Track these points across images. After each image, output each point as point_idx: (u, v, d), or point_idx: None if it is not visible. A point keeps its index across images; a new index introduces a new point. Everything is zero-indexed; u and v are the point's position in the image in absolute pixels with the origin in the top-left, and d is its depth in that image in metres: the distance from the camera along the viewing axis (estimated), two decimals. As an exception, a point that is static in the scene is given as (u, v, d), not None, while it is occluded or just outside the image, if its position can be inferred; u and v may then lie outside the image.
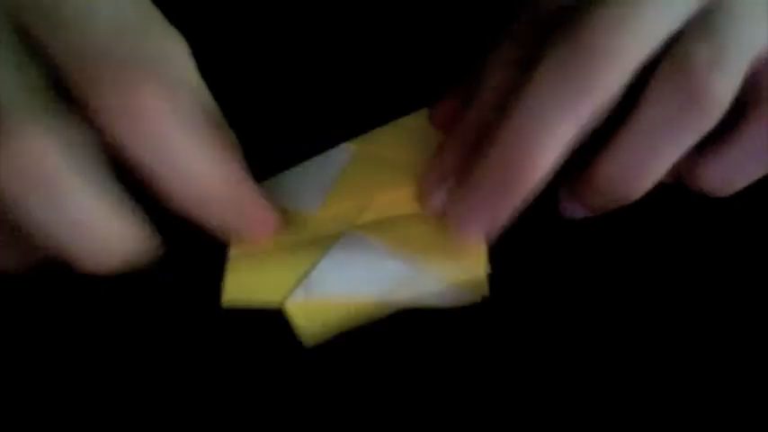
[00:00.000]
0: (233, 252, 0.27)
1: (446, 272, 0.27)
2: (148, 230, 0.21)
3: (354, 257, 0.27)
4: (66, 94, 0.20)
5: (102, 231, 0.20)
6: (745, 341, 0.26)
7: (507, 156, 0.23)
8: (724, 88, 0.23)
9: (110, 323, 0.27)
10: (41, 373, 0.26)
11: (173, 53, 0.21)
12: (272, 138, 0.31)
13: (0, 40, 0.20)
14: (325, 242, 0.28)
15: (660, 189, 0.26)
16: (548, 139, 0.23)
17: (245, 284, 0.26)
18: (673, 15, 0.24)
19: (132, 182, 0.21)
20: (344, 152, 0.31)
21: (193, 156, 0.21)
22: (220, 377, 0.26)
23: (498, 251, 0.27)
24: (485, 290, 0.26)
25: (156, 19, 0.22)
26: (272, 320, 0.26)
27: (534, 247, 0.28)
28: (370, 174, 0.30)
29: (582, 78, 0.23)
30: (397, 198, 0.29)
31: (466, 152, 0.27)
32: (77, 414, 0.25)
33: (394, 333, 0.26)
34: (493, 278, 0.26)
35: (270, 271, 0.27)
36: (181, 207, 0.21)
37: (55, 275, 0.24)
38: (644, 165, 0.25)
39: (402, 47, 0.34)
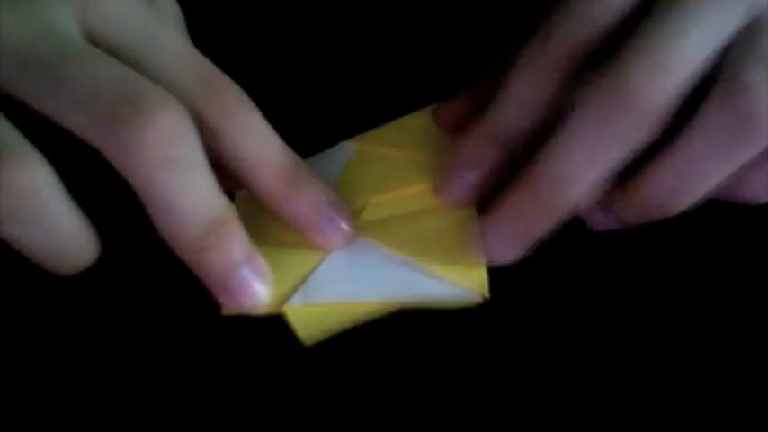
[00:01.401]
0: None
1: (446, 272, 0.27)
2: (97, 240, 0.24)
3: (353, 261, 0.27)
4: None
5: (70, 242, 0.23)
6: (745, 337, 0.26)
7: (541, 198, 0.25)
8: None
9: (110, 323, 0.27)
10: (41, 374, 0.26)
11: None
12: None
13: (99, 55, 0.23)
14: None
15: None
16: (580, 185, 0.24)
17: None
18: (713, 40, 0.24)
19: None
20: (344, 152, 0.31)
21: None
22: (220, 376, 0.26)
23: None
24: (485, 291, 0.26)
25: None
26: (272, 319, 0.26)
27: (534, 257, 0.28)
28: (370, 175, 0.30)
29: (618, 125, 0.24)
30: (396, 198, 0.29)
31: (489, 146, 0.27)
32: (77, 414, 0.25)
33: (393, 333, 0.26)
34: (493, 279, 0.26)
35: None
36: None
37: (54, 278, 0.24)
38: (689, 186, 0.25)
39: (402, 46, 0.34)
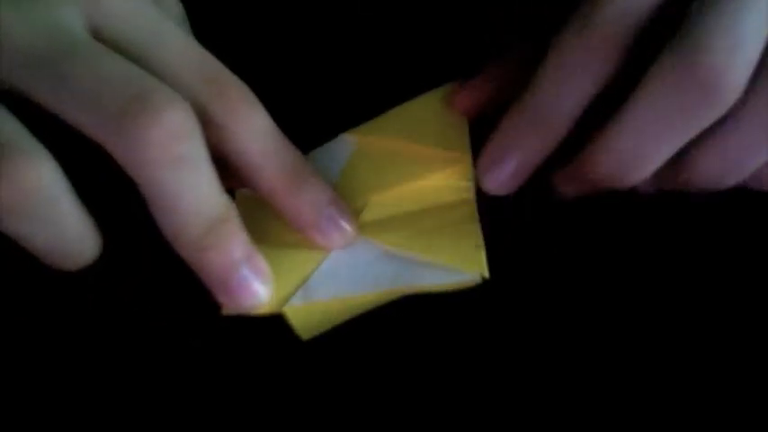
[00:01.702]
0: None
1: (445, 260, 0.27)
2: (100, 237, 0.24)
3: (353, 259, 0.27)
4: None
5: (74, 238, 0.23)
6: (739, 328, 0.26)
7: (604, 172, 0.25)
8: (741, 77, 0.23)
9: (110, 323, 0.26)
10: (41, 373, 0.25)
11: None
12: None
13: (105, 51, 0.23)
14: None
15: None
16: (649, 161, 0.25)
17: None
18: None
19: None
20: (345, 146, 0.30)
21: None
22: (220, 376, 0.26)
23: (497, 244, 0.27)
24: (484, 271, 0.26)
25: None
26: (272, 319, 0.26)
27: (534, 238, 0.28)
28: (371, 171, 0.29)
29: (694, 105, 0.23)
30: (396, 197, 0.29)
31: (533, 132, 0.26)
32: (77, 414, 0.25)
33: (393, 331, 0.26)
34: (492, 273, 0.26)
35: None
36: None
37: (55, 277, 0.24)
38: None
39: (402, 45, 0.34)
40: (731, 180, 0.26)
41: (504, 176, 0.27)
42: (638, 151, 0.25)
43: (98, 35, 0.24)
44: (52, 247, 0.23)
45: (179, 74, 0.24)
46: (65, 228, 0.23)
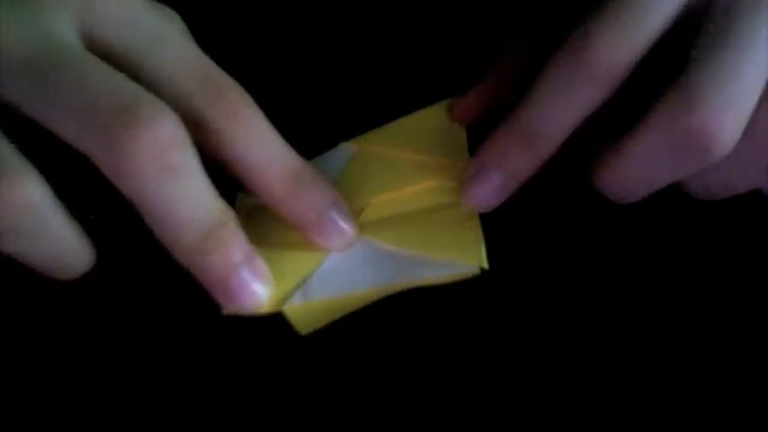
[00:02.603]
0: None
1: (444, 255, 0.27)
2: (93, 247, 0.24)
3: (353, 260, 0.27)
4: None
5: (68, 252, 0.24)
6: (738, 325, 0.26)
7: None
8: (733, 134, 0.23)
9: (109, 326, 0.26)
10: (41, 377, 0.25)
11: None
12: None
13: (94, 61, 0.23)
14: None
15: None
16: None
17: None
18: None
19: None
20: (344, 153, 0.31)
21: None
22: (220, 377, 0.26)
23: (496, 240, 0.27)
24: (483, 262, 0.26)
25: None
26: (272, 319, 0.26)
27: (532, 234, 0.28)
28: (370, 174, 0.30)
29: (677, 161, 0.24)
30: (396, 198, 0.29)
31: (518, 148, 0.27)
32: (77, 415, 0.25)
33: (393, 330, 0.26)
34: (490, 268, 0.26)
35: None
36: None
37: (54, 280, 0.24)
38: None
39: (402, 46, 0.34)
40: (726, 195, 0.26)
41: (485, 192, 0.27)
42: (630, 183, 0.26)
43: (91, 40, 0.24)
44: (47, 261, 0.23)
45: (175, 78, 0.24)
46: (57, 243, 0.23)
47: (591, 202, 0.28)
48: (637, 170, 0.25)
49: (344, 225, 0.27)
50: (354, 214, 0.28)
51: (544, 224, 0.28)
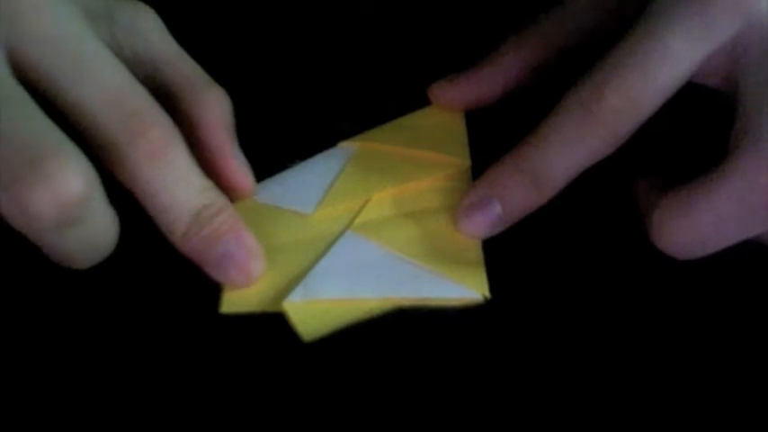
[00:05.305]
0: None
1: (446, 271, 0.27)
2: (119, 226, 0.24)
3: (352, 259, 0.27)
4: None
5: (103, 236, 0.24)
6: (741, 336, 0.26)
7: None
8: None
9: (109, 323, 0.27)
10: (41, 373, 0.26)
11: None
12: (272, 137, 0.31)
13: (13, 95, 0.22)
14: (322, 243, 0.28)
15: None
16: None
17: (242, 294, 0.26)
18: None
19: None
20: (344, 152, 0.31)
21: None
22: (220, 376, 0.26)
23: (498, 255, 0.27)
24: (485, 291, 0.26)
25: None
26: (272, 319, 0.26)
27: (533, 250, 0.28)
28: (369, 173, 0.30)
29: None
30: (397, 196, 0.29)
31: (521, 183, 0.27)
32: (77, 414, 0.25)
33: (393, 334, 0.26)
34: (493, 280, 0.26)
35: (267, 279, 0.26)
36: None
37: (54, 276, 0.24)
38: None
39: (402, 45, 0.34)
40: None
41: (483, 223, 0.27)
42: (701, 245, 0.25)
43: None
44: (82, 250, 0.23)
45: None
46: (97, 228, 0.23)
47: (593, 218, 0.29)
48: (710, 231, 0.25)
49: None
50: (353, 214, 0.28)
51: (546, 246, 0.28)
